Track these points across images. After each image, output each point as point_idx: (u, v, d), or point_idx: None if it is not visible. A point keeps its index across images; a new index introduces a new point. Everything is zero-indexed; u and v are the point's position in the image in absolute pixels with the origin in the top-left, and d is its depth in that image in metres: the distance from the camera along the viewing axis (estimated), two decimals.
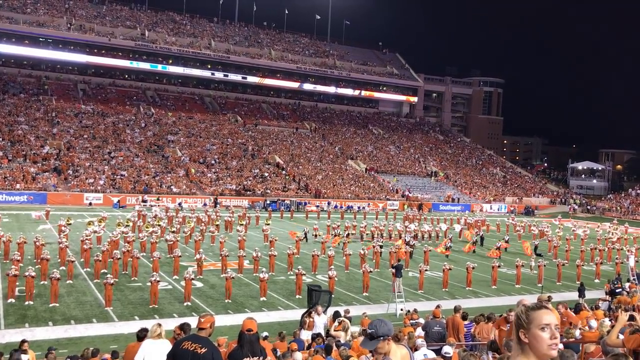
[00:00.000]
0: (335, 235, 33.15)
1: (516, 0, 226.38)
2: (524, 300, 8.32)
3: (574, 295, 21.78)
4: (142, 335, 8.17)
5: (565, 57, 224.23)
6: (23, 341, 11.34)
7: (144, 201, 46.85)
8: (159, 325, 7.13)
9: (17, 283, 18.67)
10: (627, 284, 20.82)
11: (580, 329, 10.82)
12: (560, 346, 5.54)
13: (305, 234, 33.81)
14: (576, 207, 70.04)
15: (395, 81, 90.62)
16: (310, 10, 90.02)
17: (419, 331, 11.59)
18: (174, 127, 64.93)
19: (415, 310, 16.14)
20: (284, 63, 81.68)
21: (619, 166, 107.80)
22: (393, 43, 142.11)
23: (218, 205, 48.40)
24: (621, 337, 5.73)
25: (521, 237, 40.39)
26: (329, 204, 53.77)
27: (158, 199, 47.80)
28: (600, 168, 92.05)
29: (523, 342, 2.47)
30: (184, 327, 8.27)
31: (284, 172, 60.94)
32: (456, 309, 11.85)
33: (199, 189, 52.87)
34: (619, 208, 68.51)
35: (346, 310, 15.55)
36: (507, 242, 35.41)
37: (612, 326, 6.69)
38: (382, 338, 3.72)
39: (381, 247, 30.00)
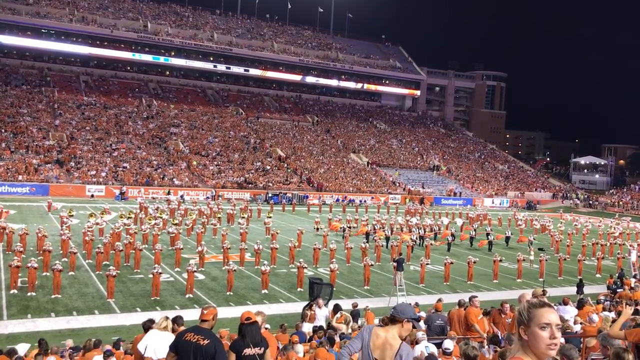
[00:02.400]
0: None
1: None
2: (526, 295, 8.33)
3: (575, 290, 21.78)
4: (148, 325, 8.19)
5: (568, 51, 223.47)
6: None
7: (122, 193, 46.70)
8: (167, 318, 7.15)
9: (20, 274, 18.73)
10: (633, 280, 20.80)
11: (581, 323, 10.84)
12: (562, 340, 5.54)
13: (347, 228, 33.60)
14: (578, 201, 69.95)
15: (397, 74, 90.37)
16: (313, 2, 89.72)
17: (421, 324, 11.60)
18: (176, 119, 64.90)
19: (416, 304, 16.16)
20: (287, 56, 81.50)
21: (621, 161, 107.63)
22: (396, 36, 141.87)
23: (220, 198, 48.44)
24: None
25: (523, 231, 40.38)
26: (349, 200, 54.30)
27: (169, 193, 47.55)
28: (602, 163, 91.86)
29: (522, 339, 2.43)
30: (176, 319, 8.29)
31: (285, 165, 60.93)
32: (460, 304, 11.86)
33: (200, 181, 52.91)
34: (621, 203, 68.39)
35: (354, 304, 15.62)
36: (507, 238, 35.32)
37: (614, 320, 6.70)
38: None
39: (387, 239, 30.10)
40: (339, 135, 74.64)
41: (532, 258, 28.18)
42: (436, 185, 66.78)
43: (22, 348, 10.27)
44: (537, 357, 2.41)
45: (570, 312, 12.03)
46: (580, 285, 21.54)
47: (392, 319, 3.90)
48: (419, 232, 33.19)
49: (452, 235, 33.03)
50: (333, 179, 60.05)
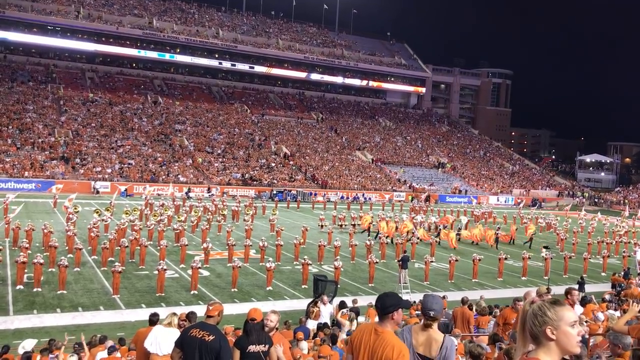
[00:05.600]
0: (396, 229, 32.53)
1: None
2: (531, 292, 8.31)
3: (576, 288, 21.72)
4: (154, 319, 8.22)
5: (574, 49, 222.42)
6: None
7: (96, 190, 46.34)
8: (174, 314, 7.19)
9: (26, 270, 18.82)
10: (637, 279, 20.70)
11: (586, 321, 10.80)
12: None
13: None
14: (584, 199, 69.70)
15: (403, 72, 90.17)
16: None
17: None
18: (181, 116, 64.99)
19: (421, 302, 16.15)
20: (292, 53, 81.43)
21: (627, 159, 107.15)
22: (401, 33, 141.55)
23: (224, 195, 48.51)
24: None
25: (528, 229, 40.23)
26: (353, 197, 54.22)
27: (189, 191, 47.56)
28: (608, 161, 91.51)
29: (549, 338, 2.41)
30: (190, 316, 8.31)
31: (290, 162, 60.95)
32: (464, 301, 11.85)
33: (206, 178, 52.98)
34: (626, 201, 68.04)
35: (354, 300, 15.62)
36: (510, 234, 35.29)
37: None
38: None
39: (388, 237, 30.10)
40: (343, 133, 74.59)
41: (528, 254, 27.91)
42: (441, 182, 66.68)
43: (28, 344, 10.32)
44: (563, 353, 2.41)
45: (576, 310, 11.99)
46: (581, 284, 21.47)
47: (433, 319, 3.98)
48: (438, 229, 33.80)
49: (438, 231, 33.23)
50: (337, 177, 60.03)
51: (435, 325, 3.96)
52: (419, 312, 13.20)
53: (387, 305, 3.77)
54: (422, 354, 3.90)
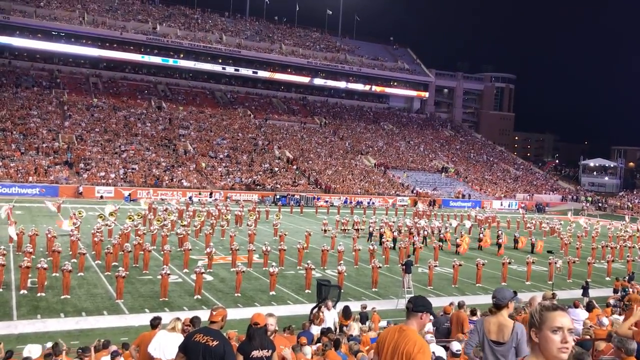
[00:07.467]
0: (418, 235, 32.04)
1: None
2: (537, 298, 8.29)
3: (580, 293, 21.62)
4: (155, 323, 8.22)
5: (577, 53, 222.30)
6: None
7: (80, 193, 46.07)
8: (177, 319, 7.19)
9: (30, 275, 18.85)
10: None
11: (590, 326, 10.76)
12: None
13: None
14: (588, 204, 69.50)
15: (406, 76, 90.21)
16: (322, 5, 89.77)
17: (429, 327, 11.58)
18: (185, 121, 65.13)
19: None
20: (295, 58, 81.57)
21: (631, 163, 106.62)
22: (404, 38, 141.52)
23: (223, 199, 48.54)
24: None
25: (532, 234, 40.16)
26: (357, 202, 54.01)
27: (199, 193, 47.80)
28: (612, 165, 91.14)
29: (533, 341, 2.42)
30: (194, 320, 8.31)
31: (294, 167, 60.99)
32: (460, 305, 11.91)
33: (209, 182, 53.03)
34: (630, 206, 67.83)
35: (363, 305, 15.65)
36: (516, 240, 35.18)
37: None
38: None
39: (395, 241, 30.11)
40: (347, 137, 74.60)
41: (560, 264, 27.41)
42: (445, 187, 66.59)
43: (34, 349, 10.31)
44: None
45: (580, 315, 11.95)
46: (585, 289, 21.38)
47: (497, 306, 4.46)
48: (425, 233, 33.42)
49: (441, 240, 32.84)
50: (341, 181, 60.01)
51: (505, 313, 4.43)
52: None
53: (419, 304, 3.94)
54: (495, 339, 4.34)
